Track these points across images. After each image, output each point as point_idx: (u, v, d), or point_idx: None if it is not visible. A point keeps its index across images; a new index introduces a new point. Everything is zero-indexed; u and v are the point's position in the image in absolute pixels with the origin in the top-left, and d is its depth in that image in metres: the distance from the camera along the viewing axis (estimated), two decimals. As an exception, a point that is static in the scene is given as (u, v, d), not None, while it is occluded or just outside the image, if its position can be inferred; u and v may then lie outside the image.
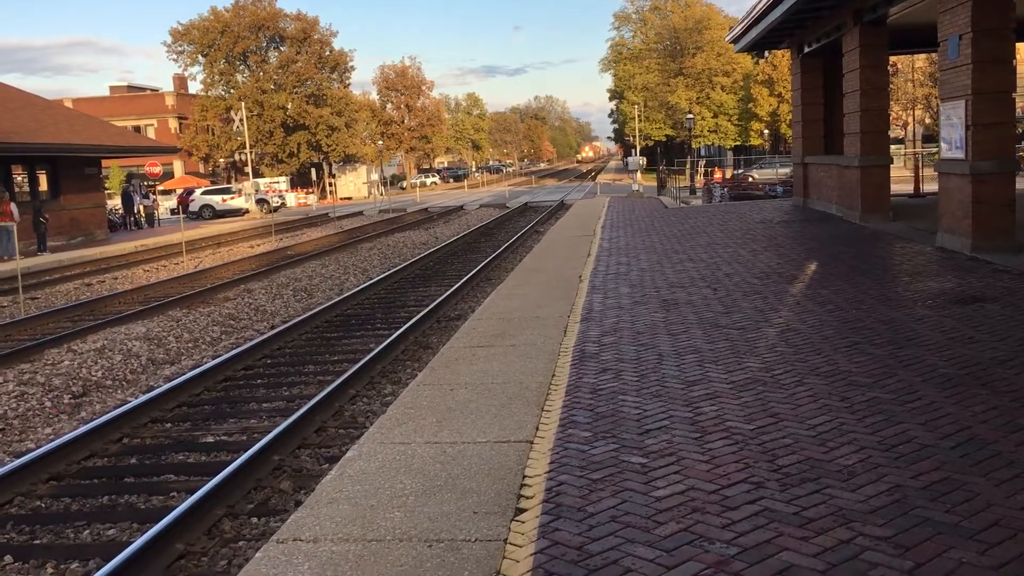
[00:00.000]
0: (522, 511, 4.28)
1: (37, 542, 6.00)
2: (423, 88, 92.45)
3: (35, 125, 31.05)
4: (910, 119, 65.80)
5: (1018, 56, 13.82)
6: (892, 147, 24.06)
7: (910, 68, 60.43)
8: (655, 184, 47.49)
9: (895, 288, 9.99)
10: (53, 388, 10.35)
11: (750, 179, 44.52)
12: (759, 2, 19.15)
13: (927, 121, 63.16)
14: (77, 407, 9.65)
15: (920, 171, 27.54)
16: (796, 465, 4.64)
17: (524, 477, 4.71)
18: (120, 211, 41.22)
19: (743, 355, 7.13)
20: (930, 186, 24.15)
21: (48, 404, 9.72)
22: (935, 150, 31.46)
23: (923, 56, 51.83)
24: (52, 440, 8.13)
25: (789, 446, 4.94)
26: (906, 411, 5.44)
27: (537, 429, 5.52)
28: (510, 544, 3.93)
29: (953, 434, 4.98)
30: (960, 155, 12.30)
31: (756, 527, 3.92)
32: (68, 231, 32.11)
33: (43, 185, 32.46)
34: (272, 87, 68.62)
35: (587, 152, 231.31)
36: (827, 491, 4.27)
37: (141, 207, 42.19)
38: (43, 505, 6.70)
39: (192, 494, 6.15)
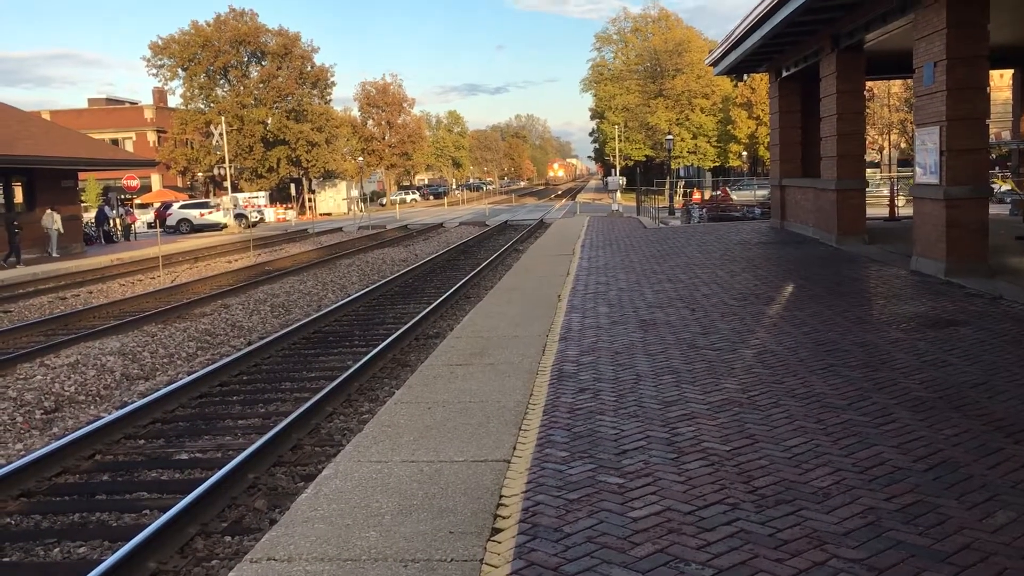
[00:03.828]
0: (499, 531, 4.27)
1: (6, 559, 5.91)
2: (404, 105, 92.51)
3: (11, 136, 30.79)
4: (886, 143, 66.64)
5: (992, 83, 14.05)
6: (868, 171, 24.32)
7: (886, 93, 61.29)
8: (634, 204, 47.73)
9: (870, 311, 10.08)
10: (25, 403, 10.22)
11: (730, 200, 44.81)
12: (738, 26, 19.38)
13: (903, 145, 63.98)
14: (49, 422, 9.53)
15: (895, 195, 27.86)
16: (772, 487, 4.66)
17: (501, 497, 4.71)
18: (92, 225, 40.82)
19: (720, 376, 7.17)
20: (905, 210, 24.45)
21: (20, 419, 9.59)
22: (910, 174, 31.83)
23: (899, 81, 52.59)
24: (23, 456, 8.02)
25: (765, 467, 4.96)
26: (880, 434, 5.48)
27: (514, 448, 5.52)
28: (486, 564, 3.92)
29: (926, 457, 5.03)
30: (934, 180, 12.46)
31: (731, 548, 3.93)
32: (43, 243, 31.78)
33: (19, 197, 32.16)
34: (252, 102, 68.44)
35: (557, 171, 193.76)
36: (802, 513, 4.29)
37: (117, 220, 41.82)
38: (13, 522, 6.60)
39: (165, 512, 6.08)
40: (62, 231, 31.50)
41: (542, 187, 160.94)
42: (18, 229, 28.27)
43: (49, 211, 31.19)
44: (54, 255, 30.38)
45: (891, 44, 16.81)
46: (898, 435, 5.44)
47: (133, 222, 43.80)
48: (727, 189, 43.40)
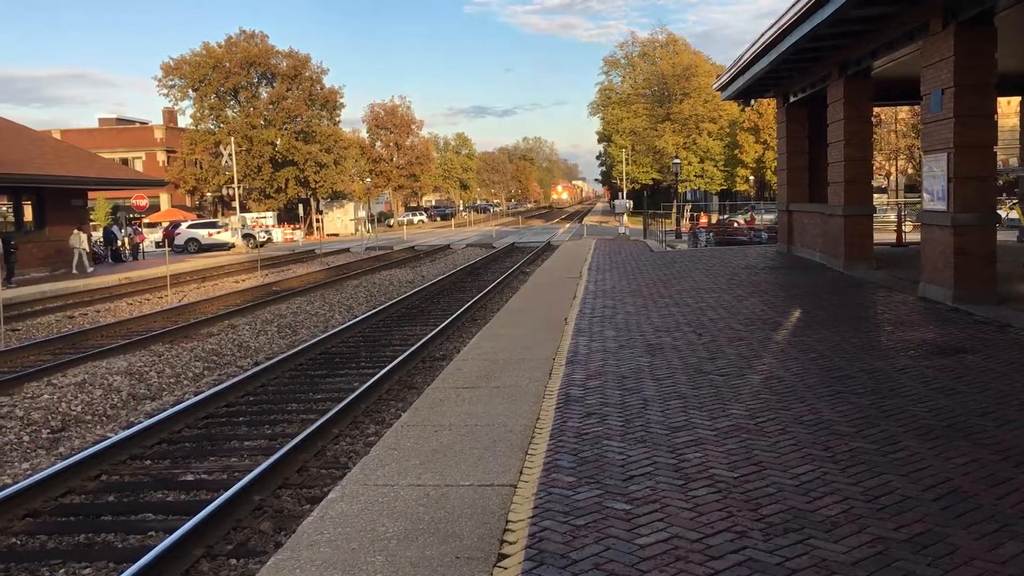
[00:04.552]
0: (505, 556, 4.26)
1: (11, 580, 5.91)
2: (412, 127, 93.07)
3: (22, 156, 31.04)
4: (893, 169, 66.69)
5: (1000, 111, 14.07)
6: (875, 196, 24.35)
7: (893, 119, 61.41)
8: (641, 227, 47.77)
9: (878, 337, 10.06)
10: (32, 422, 10.24)
11: (735, 224, 44.84)
12: (746, 52, 19.47)
13: (910, 171, 64.04)
14: (56, 442, 9.54)
15: (902, 221, 27.88)
16: (779, 515, 4.64)
17: (507, 522, 4.69)
18: (101, 244, 41.06)
19: (727, 402, 7.15)
20: (912, 236, 24.45)
21: (26, 438, 9.61)
22: (917, 200, 31.84)
23: (906, 107, 52.73)
24: (29, 475, 8.04)
25: (772, 495, 4.94)
26: (888, 462, 5.46)
27: (521, 473, 5.50)
28: (492, 591, 3.91)
29: (935, 486, 5.01)
30: (942, 207, 12.47)
31: (739, 577, 3.91)
32: (52, 262, 31.96)
33: (28, 215, 32.39)
34: (262, 123, 68.93)
35: (560, 193, 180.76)
36: (810, 542, 4.27)
37: (126, 240, 42.05)
38: (18, 542, 6.60)
39: (170, 534, 6.08)
40: (88, 250, 33.20)
41: (546, 210, 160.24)
42: (14, 248, 28.36)
43: (76, 231, 32.74)
44: (81, 271, 31.84)
45: (899, 71, 16.88)
46: (906, 463, 5.42)
47: (142, 241, 43.98)
48: (754, 215, 42.55)
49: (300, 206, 69.68)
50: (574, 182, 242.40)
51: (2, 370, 13.73)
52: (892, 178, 68.54)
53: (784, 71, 19.84)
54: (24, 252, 29.44)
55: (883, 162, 64.81)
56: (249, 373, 12.00)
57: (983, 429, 6.11)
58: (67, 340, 16.52)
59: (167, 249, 35.68)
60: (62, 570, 6.02)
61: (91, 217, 45.43)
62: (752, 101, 32.19)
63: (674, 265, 20.98)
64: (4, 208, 31.82)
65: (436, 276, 27.97)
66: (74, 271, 31.86)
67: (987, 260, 12.17)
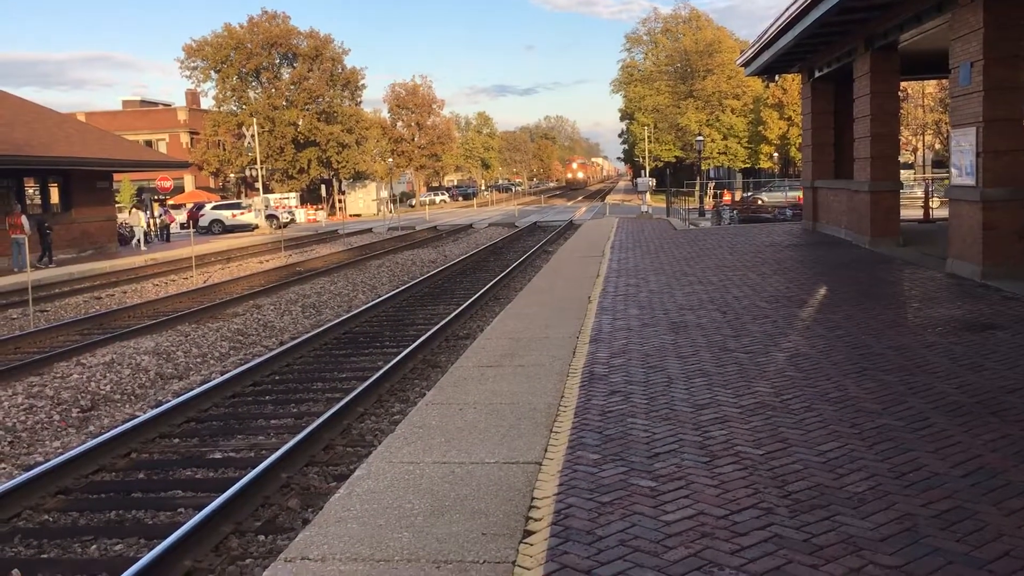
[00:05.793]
0: (531, 533, 4.27)
1: (44, 556, 6.00)
2: (434, 106, 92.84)
3: (48, 138, 31.29)
4: (920, 144, 65.87)
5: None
6: (902, 172, 24.05)
7: (920, 94, 60.55)
8: (664, 205, 47.50)
9: (905, 314, 9.97)
10: (62, 401, 10.38)
11: (759, 202, 44.42)
12: (770, 27, 19.24)
13: (937, 147, 63.21)
14: (85, 421, 9.67)
15: (929, 196, 27.54)
16: (806, 491, 4.62)
17: (533, 499, 4.71)
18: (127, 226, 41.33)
19: (752, 379, 7.12)
20: (940, 212, 24.18)
21: (57, 417, 9.75)
22: (945, 176, 31.44)
23: (933, 82, 51.94)
24: (60, 454, 8.16)
25: (799, 472, 4.92)
26: (916, 438, 5.42)
27: (546, 450, 5.52)
28: (519, 566, 3.93)
29: (963, 462, 4.97)
30: (971, 182, 12.30)
31: (766, 553, 3.91)
32: (79, 244, 32.27)
33: (55, 198, 32.67)
34: (284, 103, 69.05)
35: (576, 172, 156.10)
36: (837, 518, 4.26)
37: (155, 221, 42.29)
38: (51, 519, 6.71)
39: (200, 510, 6.15)
40: (146, 228, 36.63)
41: (559, 190, 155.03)
42: (48, 230, 28.69)
43: (134, 209, 36.06)
44: (142, 248, 34.99)
45: (926, 44, 16.61)
46: (934, 440, 5.38)
47: (171, 222, 44.17)
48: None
49: (322, 187, 69.82)
50: (594, 160, 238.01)
51: (31, 350, 13.92)
52: (919, 153, 67.71)
53: (809, 46, 19.59)
54: (52, 234, 29.72)
55: (910, 137, 63.99)
56: (274, 352, 12.08)
57: (1013, 405, 6.05)
58: (95, 320, 16.70)
59: (192, 230, 35.91)
60: (94, 546, 6.12)
61: (116, 199, 45.75)
62: (776, 77, 31.84)
63: (697, 243, 20.87)
64: (31, 190, 32.03)
65: (459, 256, 27.99)
66: (143, 247, 34.70)
67: (1017, 235, 12.01)
